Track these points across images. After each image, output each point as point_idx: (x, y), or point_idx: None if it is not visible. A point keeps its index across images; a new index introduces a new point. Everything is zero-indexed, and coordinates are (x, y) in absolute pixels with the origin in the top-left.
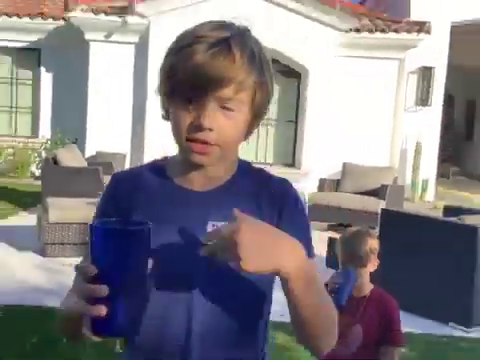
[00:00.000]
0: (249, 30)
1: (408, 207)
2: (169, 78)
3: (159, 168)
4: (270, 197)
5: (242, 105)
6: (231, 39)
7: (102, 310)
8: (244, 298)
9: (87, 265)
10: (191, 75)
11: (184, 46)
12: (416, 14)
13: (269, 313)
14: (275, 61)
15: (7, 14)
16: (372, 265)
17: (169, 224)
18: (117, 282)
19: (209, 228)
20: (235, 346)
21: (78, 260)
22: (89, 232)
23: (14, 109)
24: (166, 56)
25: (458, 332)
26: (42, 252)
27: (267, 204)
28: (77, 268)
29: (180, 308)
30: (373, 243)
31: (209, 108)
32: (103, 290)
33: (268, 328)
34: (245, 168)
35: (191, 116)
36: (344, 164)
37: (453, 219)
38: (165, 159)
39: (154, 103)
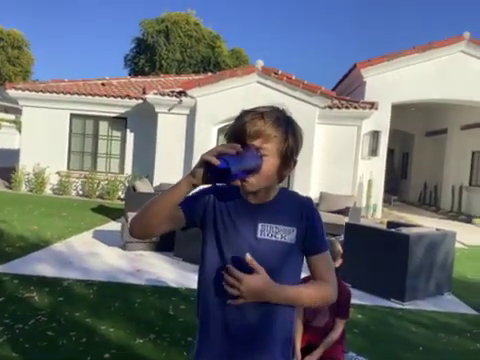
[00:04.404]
0: (278, 108)
1: (363, 222)
2: (231, 132)
3: (237, 188)
4: (299, 207)
5: (270, 152)
6: (264, 112)
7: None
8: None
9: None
10: (239, 130)
11: (241, 114)
12: (368, 97)
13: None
14: None
15: (106, 95)
16: (338, 262)
17: (236, 219)
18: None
19: (259, 226)
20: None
21: (146, 253)
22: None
23: (109, 155)
24: (234, 120)
25: (396, 305)
26: (123, 247)
27: (297, 211)
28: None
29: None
30: (340, 248)
31: None
32: (237, 147)
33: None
34: (283, 192)
35: None
36: (321, 193)
37: (393, 229)
38: None
39: (197, 151)
